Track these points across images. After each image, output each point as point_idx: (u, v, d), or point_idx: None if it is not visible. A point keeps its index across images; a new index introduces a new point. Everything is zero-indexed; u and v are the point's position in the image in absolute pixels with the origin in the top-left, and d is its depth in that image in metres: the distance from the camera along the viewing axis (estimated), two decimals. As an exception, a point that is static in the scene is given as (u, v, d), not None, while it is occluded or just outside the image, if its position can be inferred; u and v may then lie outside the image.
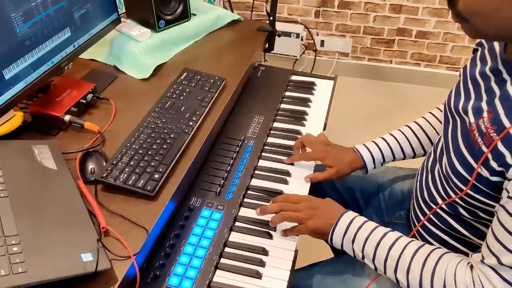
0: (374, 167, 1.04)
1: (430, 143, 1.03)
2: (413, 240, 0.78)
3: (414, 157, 1.06)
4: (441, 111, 1.04)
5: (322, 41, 2.71)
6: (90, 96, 1.04)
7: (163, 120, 0.99)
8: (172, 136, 0.95)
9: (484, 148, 0.67)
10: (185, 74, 1.16)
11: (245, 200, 0.96)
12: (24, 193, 0.74)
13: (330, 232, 0.84)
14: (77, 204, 0.78)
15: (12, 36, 0.86)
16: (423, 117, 1.07)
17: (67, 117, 0.98)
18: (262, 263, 0.83)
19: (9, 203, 0.70)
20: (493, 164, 0.65)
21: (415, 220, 0.93)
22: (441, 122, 0.96)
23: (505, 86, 0.68)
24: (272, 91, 1.30)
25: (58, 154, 0.88)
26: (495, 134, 0.65)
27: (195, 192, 0.95)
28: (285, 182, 1.01)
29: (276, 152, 1.09)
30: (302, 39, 2.66)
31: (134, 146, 0.91)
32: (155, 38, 1.27)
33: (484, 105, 0.72)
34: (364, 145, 1.04)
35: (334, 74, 1.42)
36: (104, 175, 0.84)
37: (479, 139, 0.68)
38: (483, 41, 0.83)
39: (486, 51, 0.80)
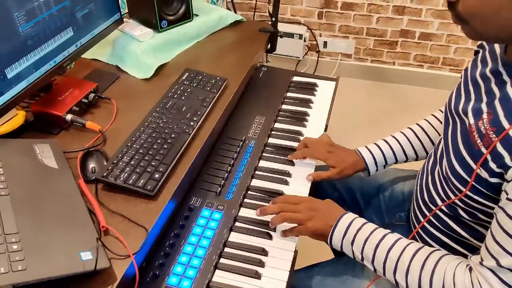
0: (376, 170, 1.04)
1: (432, 145, 1.03)
2: (412, 242, 0.78)
3: (416, 159, 1.06)
4: (443, 113, 1.04)
5: (325, 42, 2.71)
6: (92, 95, 1.05)
7: (164, 120, 0.99)
8: (173, 136, 0.95)
9: (483, 150, 0.67)
10: (186, 74, 1.17)
11: (245, 200, 0.96)
12: (25, 191, 0.75)
13: (330, 234, 0.84)
14: (78, 203, 0.78)
15: (14, 36, 0.86)
16: (425, 119, 1.06)
17: (68, 116, 0.98)
18: (261, 264, 0.83)
19: (10, 201, 0.71)
20: (492, 165, 0.65)
21: (415, 222, 0.93)
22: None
23: (505, 88, 0.68)
24: (273, 91, 1.30)
25: (59, 153, 0.88)
26: (494, 136, 0.65)
27: (196, 192, 0.96)
28: (286, 182, 1.01)
29: (277, 152, 1.09)
30: (305, 40, 2.66)
31: (135, 145, 0.91)
32: (157, 38, 1.27)
33: (484, 106, 0.72)
34: (366, 147, 1.04)
35: (336, 75, 1.42)
36: (105, 174, 0.84)
37: (479, 141, 0.68)
38: (484, 43, 0.83)
39: (487, 53, 0.80)
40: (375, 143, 1.05)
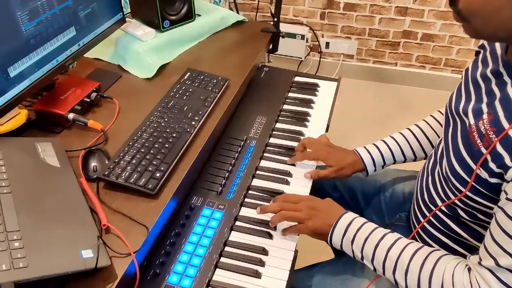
0: (375, 170, 1.04)
1: (431, 146, 1.03)
2: (412, 242, 0.78)
3: (415, 160, 1.06)
4: (442, 114, 1.04)
5: (327, 43, 2.72)
6: (94, 94, 1.05)
7: (166, 119, 1.00)
8: (174, 135, 0.95)
9: (483, 150, 0.67)
10: (188, 74, 1.17)
11: (246, 200, 0.96)
12: (26, 189, 0.75)
13: (330, 233, 0.84)
14: (79, 201, 0.79)
15: (17, 35, 0.87)
16: (423, 120, 1.07)
17: (71, 115, 0.99)
18: (261, 263, 0.83)
19: (12, 199, 0.71)
20: (492, 165, 0.66)
21: (415, 222, 0.93)
22: (442, 125, 0.96)
23: (506, 88, 0.68)
24: (275, 92, 1.30)
25: (61, 151, 0.89)
26: (494, 136, 0.65)
27: (197, 191, 0.96)
28: (286, 182, 1.01)
29: (278, 152, 1.09)
30: (307, 41, 2.66)
31: (136, 144, 0.91)
32: (159, 38, 1.28)
33: (484, 107, 0.72)
34: (364, 147, 1.05)
35: (338, 76, 1.42)
36: (106, 173, 0.84)
37: (479, 141, 0.69)
38: (485, 43, 0.83)
39: (487, 53, 0.80)
40: (373, 144, 1.05)
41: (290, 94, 1.31)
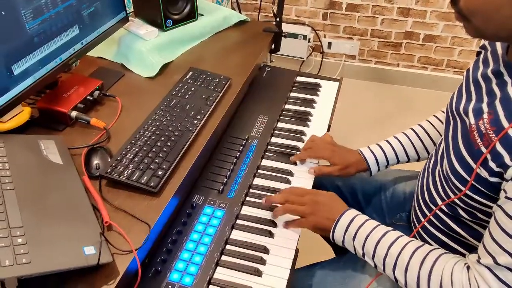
0: (378, 170, 1.05)
1: (434, 146, 1.03)
2: (412, 240, 0.78)
3: (418, 160, 1.07)
4: (444, 113, 1.04)
5: (329, 43, 2.72)
6: (97, 93, 1.06)
7: (168, 118, 1.00)
8: (176, 133, 0.96)
9: (483, 149, 0.68)
10: (191, 73, 1.18)
11: (247, 198, 0.97)
12: (29, 186, 0.76)
13: (332, 228, 0.85)
14: (81, 199, 0.79)
15: (22, 33, 0.87)
16: (427, 120, 1.07)
17: (73, 113, 0.99)
18: (262, 261, 0.84)
19: (15, 196, 0.72)
20: (492, 164, 0.66)
21: (415, 222, 0.93)
22: None
23: (506, 88, 0.69)
24: (277, 91, 1.31)
25: (64, 149, 0.89)
26: (494, 135, 0.66)
27: (198, 189, 0.96)
28: (288, 181, 1.02)
29: (280, 152, 1.10)
30: (309, 41, 2.66)
31: (138, 142, 0.92)
32: (162, 37, 1.28)
33: (484, 106, 0.72)
34: (368, 147, 1.05)
35: (340, 76, 1.42)
36: (109, 170, 0.85)
37: (479, 140, 0.69)
38: (487, 44, 0.84)
39: (488, 54, 0.80)
40: (377, 144, 1.06)
41: (292, 94, 1.31)
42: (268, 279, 0.81)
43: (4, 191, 0.72)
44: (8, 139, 0.85)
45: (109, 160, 0.89)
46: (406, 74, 2.72)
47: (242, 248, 0.86)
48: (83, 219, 0.75)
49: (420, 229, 0.90)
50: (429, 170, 0.90)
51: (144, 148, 0.91)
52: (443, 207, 0.82)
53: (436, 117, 1.06)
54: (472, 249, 0.83)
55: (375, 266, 0.81)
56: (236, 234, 0.89)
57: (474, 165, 0.70)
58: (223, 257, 0.84)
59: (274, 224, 0.91)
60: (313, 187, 1.02)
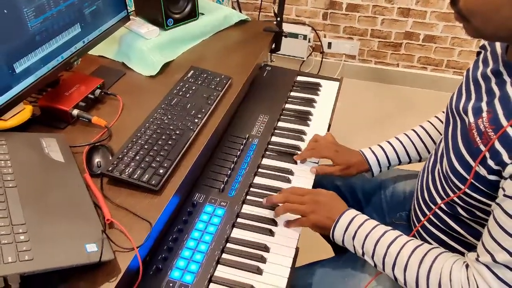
0: (380, 171, 1.06)
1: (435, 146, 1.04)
2: (412, 239, 0.79)
3: (419, 160, 1.07)
4: (445, 114, 1.05)
5: (329, 43, 2.72)
6: (98, 91, 1.06)
7: (169, 117, 1.00)
8: (177, 132, 0.96)
9: (482, 147, 0.68)
10: (192, 72, 1.18)
11: (248, 197, 0.97)
12: (31, 184, 0.76)
13: (332, 228, 0.85)
14: (83, 196, 0.79)
15: (23, 31, 0.88)
16: (428, 121, 1.08)
17: (75, 112, 0.99)
18: (263, 259, 0.84)
19: (17, 193, 0.72)
20: (491, 162, 0.66)
21: (415, 221, 0.94)
22: None
23: (505, 87, 0.69)
24: (277, 91, 1.31)
25: (65, 147, 0.90)
26: (493, 133, 0.66)
27: (199, 188, 0.97)
28: (288, 180, 1.02)
29: (280, 151, 1.10)
30: (309, 41, 2.67)
31: (140, 141, 0.92)
32: (163, 36, 1.29)
33: (484, 105, 0.73)
34: (370, 148, 1.06)
35: (340, 76, 1.43)
36: (110, 168, 0.85)
37: (478, 138, 0.70)
38: (486, 44, 0.84)
39: (488, 54, 0.81)
40: (378, 145, 1.07)
41: (292, 93, 1.32)
42: (269, 277, 0.81)
43: (7, 189, 0.72)
44: (10, 137, 0.86)
45: (111, 158, 0.89)
46: (406, 74, 2.73)
47: (243, 247, 0.86)
48: (84, 216, 0.75)
49: (419, 228, 0.90)
50: (428, 170, 0.90)
51: (146, 147, 0.91)
52: (442, 205, 0.82)
53: (437, 117, 1.06)
54: (471, 248, 0.83)
55: (375, 265, 0.81)
56: (236, 233, 0.89)
57: (473, 164, 0.70)
58: (224, 255, 0.85)
59: (274, 223, 0.92)
60: (313, 186, 1.02)
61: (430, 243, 0.85)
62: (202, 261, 0.82)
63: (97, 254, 0.68)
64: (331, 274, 0.94)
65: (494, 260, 0.64)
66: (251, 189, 0.99)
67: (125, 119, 1.04)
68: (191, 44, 1.35)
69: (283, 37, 1.47)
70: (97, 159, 0.90)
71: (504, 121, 0.65)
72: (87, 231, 0.72)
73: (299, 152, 1.08)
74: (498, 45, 0.79)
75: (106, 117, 1.02)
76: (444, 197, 0.81)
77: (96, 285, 0.68)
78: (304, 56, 2.73)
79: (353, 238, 0.83)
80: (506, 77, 0.72)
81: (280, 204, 0.91)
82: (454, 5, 0.68)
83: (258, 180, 1.02)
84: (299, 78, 1.39)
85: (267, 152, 1.10)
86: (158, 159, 0.89)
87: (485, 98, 0.75)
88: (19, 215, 0.68)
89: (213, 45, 1.37)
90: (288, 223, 0.90)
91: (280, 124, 1.19)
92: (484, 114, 0.71)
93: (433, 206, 0.85)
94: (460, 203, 0.77)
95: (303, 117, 1.22)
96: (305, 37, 2.63)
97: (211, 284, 0.80)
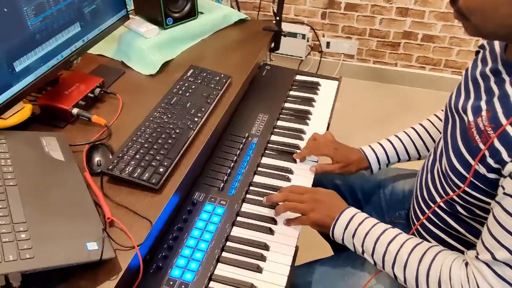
0: (379, 168, 1.06)
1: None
2: (411, 237, 0.79)
3: (419, 158, 1.08)
4: (444, 112, 1.05)
5: (328, 43, 2.73)
6: (98, 90, 1.06)
7: (169, 116, 1.01)
8: (177, 131, 0.96)
9: (481, 145, 0.69)
10: (191, 71, 1.18)
11: (248, 196, 0.97)
12: (32, 182, 0.76)
13: (332, 226, 0.86)
14: (83, 195, 0.80)
15: (23, 29, 0.88)
16: (427, 119, 1.08)
17: (75, 110, 0.99)
18: (263, 258, 0.84)
19: (18, 191, 0.72)
20: (490, 161, 0.67)
21: (414, 219, 0.94)
22: None
23: (504, 86, 0.70)
24: (276, 90, 1.31)
25: (65, 146, 0.90)
26: (492, 132, 0.67)
27: (199, 187, 0.97)
28: (288, 179, 1.02)
29: (280, 150, 1.10)
30: (308, 40, 2.67)
31: (140, 140, 0.92)
32: (162, 35, 1.29)
33: (483, 104, 0.73)
34: (369, 146, 1.07)
35: (339, 75, 1.43)
36: (110, 167, 0.85)
37: (477, 137, 0.70)
38: (485, 43, 0.85)
39: (487, 53, 0.81)
40: (378, 142, 1.07)
41: (292, 93, 1.32)
42: (269, 276, 0.82)
43: (7, 187, 0.72)
44: (10, 135, 0.86)
45: (111, 157, 0.90)
46: (404, 73, 2.73)
47: (243, 245, 0.87)
48: (85, 215, 0.75)
49: (419, 227, 0.91)
50: (428, 168, 0.91)
51: (146, 145, 0.91)
52: (441, 204, 0.83)
53: (437, 116, 1.07)
54: (470, 246, 0.83)
55: (375, 263, 0.82)
56: (236, 231, 0.89)
57: (472, 162, 0.71)
58: (224, 254, 0.85)
59: (274, 221, 0.92)
60: (312, 185, 1.02)
61: (429, 241, 0.85)
62: (202, 259, 0.82)
63: (97, 253, 0.68)
64: (331, 273, 0.94)
65: (494, 258, 0.65)
66: (251, 187, 0.99)
67: (125, 118, 1.04)
68: (191, 43, 1.35)
69: (282, 37, 1.47)
70: (97, 158, 0.90)
71: (503, 120, 0.66)
72: (88, 230, 0.72)
73: (298, 151, 1.08)
74: (496, 44, 0.80)
75: (106, 116, 1.02)
76: (444, 195, 0.81)
77: (97, 284, 0.68)
78: (303, 55, 2.73)
79: (353, 236, 0.83)
80: (505, 76, 0.72)
81: (280, 203, 0.91)
82: (453, 4, 0.68)
83: (257, 179, 1.02)
84: (298, 77, 1.39)
85: (266, 151, 1.10)
86: (158, 157, 0.89)
87: (484, 97, 0.75)
88: (20, 214, 0.68)
89: (212, 44, 1.37)
90: (288, 222, 0.90)
91: (280, 123, 1.20)
92: (484, 113, 0.71)
93: (432, 205, 0.86)
94: (460, 201, 0.77)
95: (302, 116, 1.22)
96: (303, 36, 2.64)
97: (211, 283, 0.80)
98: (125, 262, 0.72)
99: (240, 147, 1.08)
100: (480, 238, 0.69)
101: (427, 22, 2.51)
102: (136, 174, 0.85)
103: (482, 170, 0.69)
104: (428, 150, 1.05)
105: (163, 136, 0.94)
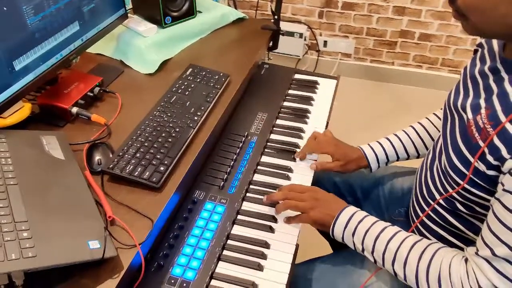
0: (378, 167, 1.07)
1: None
2: (411, 235, 0.80)
3: (418, 157, 1.08)
4: (443, 111, 1.06)
5: (325, 42, 2.73)
6: (97, 89, 1.06)
7: (169, 114, 1.01)
8: (177, 130, 0.97)
9: (481, 143, 0.69)
10: (190, 69, 1.18)
11: (248, 194, 0.98)
12: (33, 181, 0.76)
13: (332, 224, 0.86)
14: (84, 193, 0.80)
15: (23, 28, 0.87)
16: (426, 118, 1.09)
17: (74, 109, 0.99)
18: (264, 256, 0.85)
19: (19, 190, 0.72)
20: (489, 158, 0.67)
21: (414, 217, 0.95)
22: None
23: (503, 84, 0.70)
24: (275, 89, 1.31)
25: (65, 144, 0.90)
26: (491, 129, 0.67)
27: (199, 185, 0.97)
28: (287, 177, 1.03)
29: (279, 148, 1.11)
30: (305, 39, 2.67)
31: (140, 138, 0.92)
32: (161, 34, 1.29)
33: (482, 102, 0.74)
34: (368, 145, 1.07)
35: (336, 74, 1.44)
36: (111, 166, 0.85)
37: (476, 134, 0.71)
38: (483, 42, 0.85)
39: (485, 51, 0.82)
40: (377, 141, 1.08)
41: (290, 91, 1.32)
42: (270, 273, 0.82)
43: (8, 186, 0.72)
44: (10, 134, 0.85)
45: (111, 156, 0.90)
46: (401, 72, 2.74)
47: (244, 243, 0.87)
48: (86, 213, 0.75)
49: (418, 224, 0.91)
50: (427, 166, 0.91)
51: (146, 144, 0.91)
52: (441, 201, 0.83)
53: (435, 115, 1.07)
54: (470, 243, 0.84)
55: (375, 261, 0.82)
56: (237, 229, 0.90)
57: (472, 159, 0.71)
58: (225, 252, 0.85)
59: (274, 220, 0.92)
60: (312, 183, 1.02)
61: (429, 239, 0.86)
62: (203, 257, 0.83)
63: (99, 251, 0.68)
64: (331, 270, 0.94)
65: (494, 254, 0.65)
66: (251, 186, 1.00)
67: (124, 117, 1.04)
68: (189, 42, 1.35)
69: (280, 35, 1.47)
70: (97, 157, 0.90)
71: (502, 117, 0.66)
72: (89, 228, 0.72)
73: (298, 150, 1.09)
74: (495, 42, 0.80)
75: (105, 115, 1.01)
76: (443, 192, 0.82)
77: (99, 282, 0.68)
78: (300, 54, 2.73)
79: (353, 234, 0.84)
80: (503, 74, 0.73)
81: (280, 202, 0.92)
82: (452, 3, 0.69)
83: (257, 177, 1.02)
84: (297, 76, 1.39)
85: (266, 150, 1.10)
86: (158, 156, 0.89)
87: (483, 95, 0.75)
88: (21, 212, 0.68)
89: (211, 43, 1.37)
90: (289, 220, 0.91)
91: (279, 121, 1.20)
92: (483, 111, 0.72)
93: (432, 202, 0.86)
94: (459, 198, 0.78)
95: (301, 115, 1.23)
96: (301, 35, 2.64)
97: (213, 281, 0.80)
98: (127, 260, 0.72)
99: (240, 145, 1.08)
100: (480, 234, 0.70)
101: (423, 21, 2.52)
102: (137, 172, 0.85)
103: (481, 167, 0.70)
104: (427, 149, 1.06)
105: (163, 134, 0.95)
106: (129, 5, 1.41)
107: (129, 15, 1.28)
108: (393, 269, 0.78)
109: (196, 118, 1.01)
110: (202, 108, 1.05)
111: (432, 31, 2.54)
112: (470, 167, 0.72)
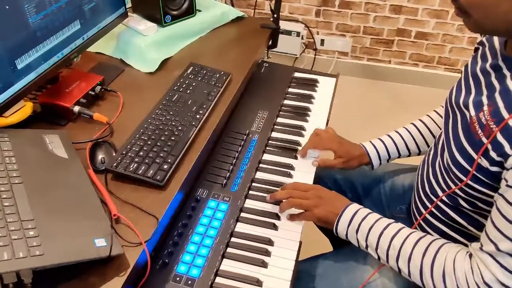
0: (380, 163, 1.07)
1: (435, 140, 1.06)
2: (414, 231, 0.81)
3: (419, 154, 1.09)
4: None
5: (322, 40, 2.74)
6: (98, 88, 1.06)
7: (171, 113, 1.01)
8: (179, 128, 0.97)
9: (484, 139, 0.70)
10: (191, 68, 1.18)
11: (250, 192, 0.98)
12: (37, 180, 0.76)
13: (335, 222, 0.86)
14: (89, 192, 0.80)
15: (25, 27, 0.87)
16: (427, 115, 1.10)
17: (76, 108, 0.99)
18: (267, 253, 0.85)
19: (24, 189, 0.72)
20: (493, 154, 0.68)
21: (416, 214, 0.95)
22: None
23: (505, 81, 0.71)
24: (275, 87, 1.32)
25: (68, 143, 0.89)
26: (494, 126, 0.68)
27: (202, 183, 0.97)
28: (289, 175, 1.03)
29: (280, 146, 1.11)
30: (302, 38, 2.68)
31: (143, 137, 0.92)
32: (161, 33, 1.28)
33: (484, 99, 0.75)
34: (370, 142, 1.08)
35: (333, 73, 1.44)
36: (115, 164, 0.85)
37: (479, 131, 0.71)
38: (484, 39, 0.86)
39: (486, 49, 0.83)
40: (379, 138, 1.09)
41: (290, 90, 1.32)
42: (274, 270, 0.82)
43: (13, 185, 0.72)
44: (13, 133, 0.85)
45: (114, 154, 0.89)
46: (398, 71, 2.75)
47: (247, 241, 0.87)
48: (92, 212, 0.75)
49: (421, 220, 0.92)
50: (429, 162, 0.92)
51: (149, 143, 0.91)
52: (444, 198, 0.84)
53: (437, 112, 1.08)
54: (473, 239, 0.85)
55: (378, 258, 0.83)
56: (240, 227, 0.90)
57: (475, 156, 0.72)
58: (229, 249, 0.85)
59: (278, 217, 0.93)
60: (313, 180, 1.03)
61: (432, 235, 0.87)
62: (207, 255, 0.83)
63: (106, 249, 0.68)
64: (335, 267, 0.95)
65: (498, 249, 0.66)
66: (253, 184, 1.00)
67: (126, 116, 1.04)
68: (189, 41, 1.35)
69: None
70: (100, 155, 0.90)
71: (505, 114, 0.67)
72: (95, 226, 0.72)
73: (299, 148, 1.09)
74: (496, 40, 0.81)
75: (107, 113, 1.01)
76: (446, 189, 0.83)
77: (107, 280, 0.68)
78: (297, 53, 2.74)
79: (357, 231, 0.84)
80: (505, 71, 0.73)
81: (284, 200, 0.92)
82: (455, 0, 0.69)
83: (259, 175, 1.03)
84: (297, 74, 1.39)
85: (267, 148, 1.10)
86: (162, 155, 0.89)
87: (485, 92, 0.76)
88: (27, 211, 0.68)
89: (210, 41, 1.38)
90: (292, 217, 0.91)
91: (280, 120, 1.20)
92: (485, 108, 0.72)
93: (434, 199, 0.87)
94: (462, 194, 0.79)
95: (302, 113, 1.23)
96: (298, 34, 2.65)
97: (218, 278, 0.80)
98: (132, 258, 0.72)
99: (241, 144, 1.08)
100: (484, 230, 0.71)
101: (420, 20, 2.53)
102: (140, 171, 0.85)
103: (484, 163, 0.70)
104: (428, 146, 1.06)
105: (166, 133, 0.95)
106: (128, 4, 1.40)
107: (129, 14, 1.28)
108: (397, 266, 0.79)
109: (198, 116, 1.02)
110: (204, 106, 1.05)
111: (429, 30, 2.56)
112: (473, 164, 0.72)
